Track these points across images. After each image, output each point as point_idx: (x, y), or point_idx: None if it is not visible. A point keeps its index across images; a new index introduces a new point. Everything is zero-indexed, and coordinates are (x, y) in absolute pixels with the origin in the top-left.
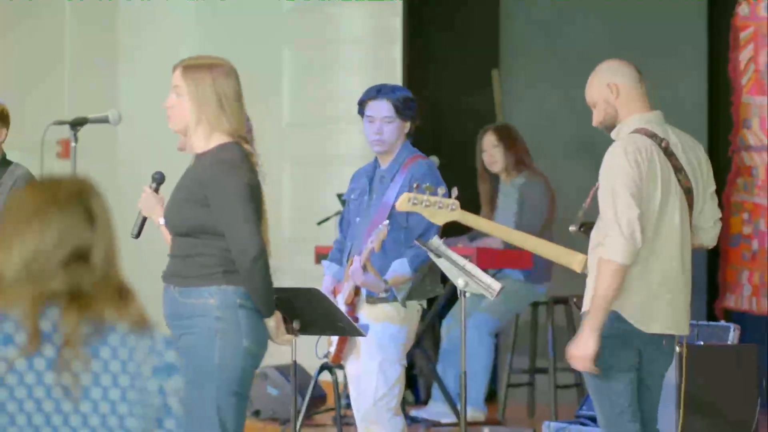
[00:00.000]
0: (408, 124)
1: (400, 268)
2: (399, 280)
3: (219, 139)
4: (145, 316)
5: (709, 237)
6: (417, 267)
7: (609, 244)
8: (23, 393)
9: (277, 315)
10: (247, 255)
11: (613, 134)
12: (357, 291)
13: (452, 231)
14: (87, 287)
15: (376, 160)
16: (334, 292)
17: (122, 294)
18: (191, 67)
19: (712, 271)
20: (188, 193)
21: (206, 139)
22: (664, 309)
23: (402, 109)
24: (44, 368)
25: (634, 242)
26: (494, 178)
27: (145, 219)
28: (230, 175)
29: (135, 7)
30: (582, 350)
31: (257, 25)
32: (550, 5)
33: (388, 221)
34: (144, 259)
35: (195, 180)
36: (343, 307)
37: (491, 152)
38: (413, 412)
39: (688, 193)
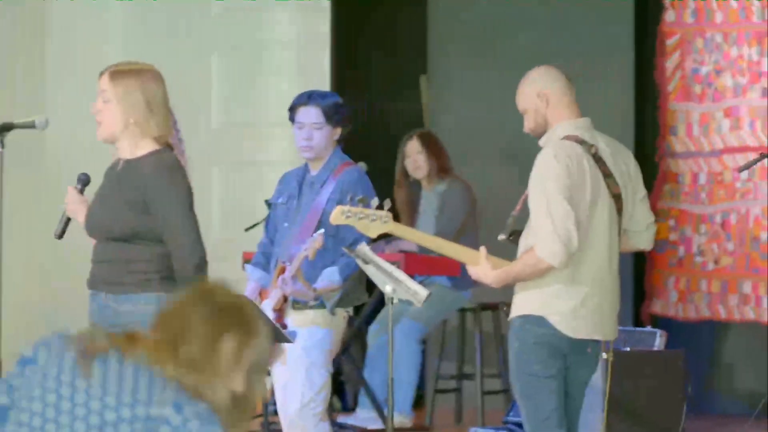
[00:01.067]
0: (338, 130)
1: (330, 277)
2: (329, 289)
3: (149, 145)
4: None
5: (643, 240)
6: (347, 276)
7: (544, 246)
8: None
9: None
10: (191, 261)
11: (542, 141)
12: (285, 297)
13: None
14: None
15: (306, 164)
16: (261, 297)
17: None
18: (119, 72)
19: (638, 276)
20: (124, 198)
21: (135, 145)
22: (591, 315)
23: (332, 115)
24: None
25: (570, 247)
26: (412, 185)
27: (68, 220)
28: (174, 181)
29: (62, 10)
30: (479, 275)
31: (186, 28)
32: (479, 12)
33: (323, 230)
34: (66, 260)
35: (132, 185)
36: (270, 314)
37: (415, 158)
38: (340, 419)
39: (617, 198)
